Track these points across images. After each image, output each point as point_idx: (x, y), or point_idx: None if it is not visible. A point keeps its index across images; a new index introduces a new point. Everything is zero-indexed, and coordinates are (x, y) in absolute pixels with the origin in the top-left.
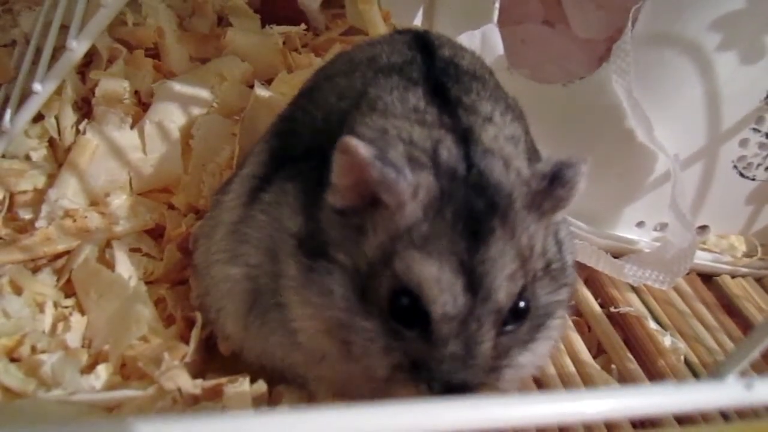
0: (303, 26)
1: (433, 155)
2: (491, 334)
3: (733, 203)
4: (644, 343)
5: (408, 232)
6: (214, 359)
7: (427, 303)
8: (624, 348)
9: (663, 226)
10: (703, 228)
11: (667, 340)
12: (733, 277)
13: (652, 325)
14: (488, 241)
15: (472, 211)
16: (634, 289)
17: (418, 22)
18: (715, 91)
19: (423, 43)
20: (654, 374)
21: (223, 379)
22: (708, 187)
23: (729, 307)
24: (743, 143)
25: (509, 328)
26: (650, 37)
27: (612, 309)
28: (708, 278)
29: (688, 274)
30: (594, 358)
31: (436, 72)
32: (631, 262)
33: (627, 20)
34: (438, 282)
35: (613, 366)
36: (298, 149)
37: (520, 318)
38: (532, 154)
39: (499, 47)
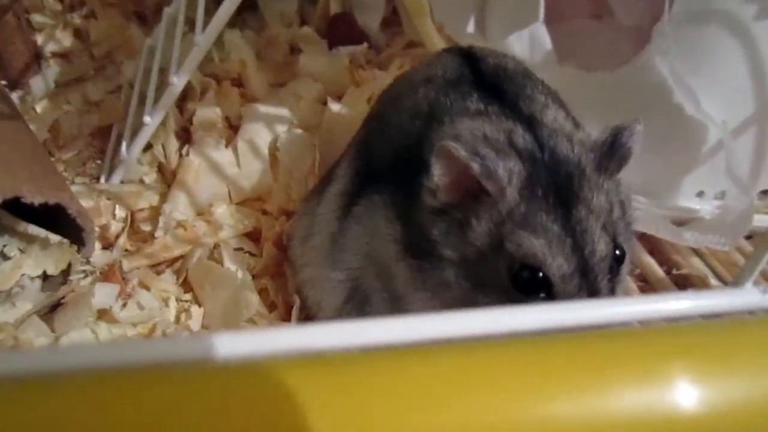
0: (366, 45)
1: (510, 144)
2: (606, 280)
3: None
4: None
5: (510, 215)
6: None
7: (546, 270)
8: None
9: (723, 194)
10: (765, 193)
11: None
12: None
13: (713, 282)
14: (576, 204)
15: (555, 184)
16: (698, 254)
17: (470, 29)
18: (757, 60)
19: (469, 56)
20: None
21: None
22: (764, 153)
23: None
24: None
25: (614, 274)
26: (689, 15)
27: (675, 271)
28: None
29: (749, 237)
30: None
31: (487, 78)
32: (695, 230)
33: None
34: (550, 250)
35: None
36: (381, 166)
37: (619, 263)
38: None
39: (547, 43)
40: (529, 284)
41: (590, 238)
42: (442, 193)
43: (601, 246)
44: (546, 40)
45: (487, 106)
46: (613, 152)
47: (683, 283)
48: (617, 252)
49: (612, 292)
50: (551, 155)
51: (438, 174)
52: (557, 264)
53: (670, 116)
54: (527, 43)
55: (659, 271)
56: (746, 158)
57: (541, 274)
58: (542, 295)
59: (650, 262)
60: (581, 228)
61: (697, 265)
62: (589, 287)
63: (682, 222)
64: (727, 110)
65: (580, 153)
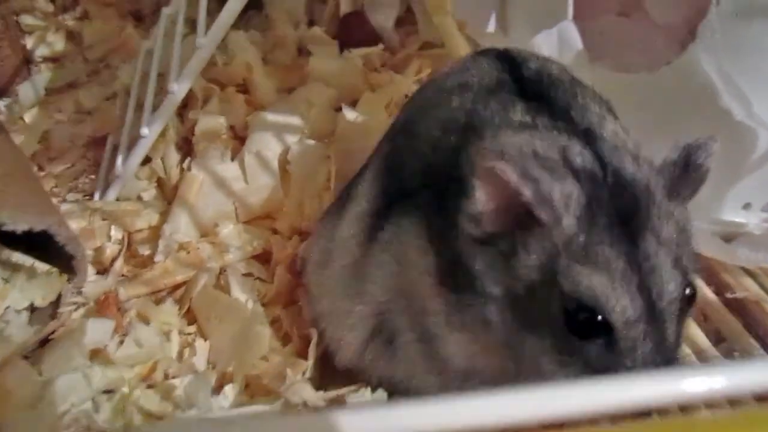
0: (380, 46)
1: (565, 163)
2: (674, 327)
3: None
4: (766, 326)
5: (567, 247)
6: (332, 373)
7: (607, 313)
8: (746, 334)
9: None
10: None
11: None
12: None
13: None
14: (644, 236)
15: (620, 211)
16: (749, 273)
17: (492, 28)
18: None
19: (507, 60)
20: None
21: (345, 390)
22: None
23: None
24: None
25: (683, 316)
26: (736, 10)
27: (729, 295)
28: None
29: None
30: (714, 346)
31: (531, 85)
32: (743, 245)
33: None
34: (613, 290)
35: (736, 353)
36: (410, 186)
37: (690, 304)
38: None
39: (577, 43)
40: (586, 328)
41: (659, 276)
42: (486, 221)
43: (671, 287)
44: (576, 40)
45: (535, 117)
46: (686, 174)
47: (736, 306)
48: (687, 291)
49: (679, 339)
50: (615, 176)
51: (482, 199)
52: (621, 306)
53: (715, 121)
54: (555, 43)
55: (709, 293)
56: None
57: (600, 317)
58: (600, 340)
59: (698, 282)
60: (649, 264)
61: (750, 287)
62: (656, 335)
63: (727, 238)
64: None
65: (649, 174)
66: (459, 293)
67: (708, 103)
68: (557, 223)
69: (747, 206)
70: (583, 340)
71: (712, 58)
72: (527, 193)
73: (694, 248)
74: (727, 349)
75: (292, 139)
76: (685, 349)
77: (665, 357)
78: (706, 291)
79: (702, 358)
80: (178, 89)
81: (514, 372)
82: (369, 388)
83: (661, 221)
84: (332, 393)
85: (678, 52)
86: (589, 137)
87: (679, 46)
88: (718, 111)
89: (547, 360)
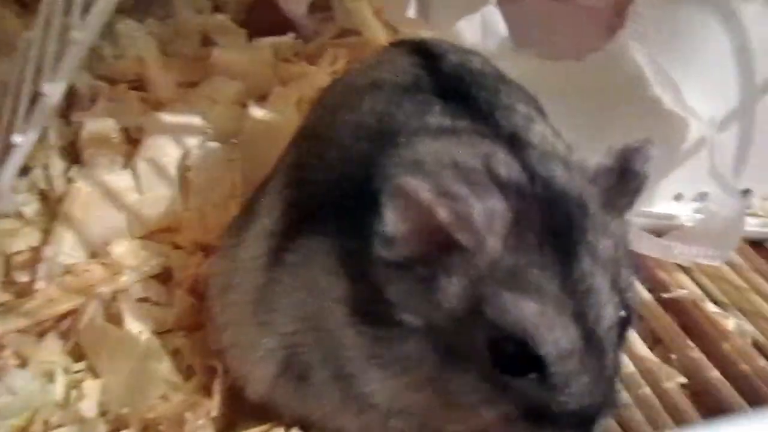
0: (291, 35)
1: (488, 173)
2: (613, 355)
3: None
4: (704, 327)
5: (492, 271)
6: (244, 406)
7: (537, 345)
8: (682, 335)
9: (703, 196)
10: (746, 192)
11: (730, 323)
12: None
13: (711, 307)
14: (578, 256)
15: (551, 227)
16: (683, 269)
17: (411, 13)
18: (743, 43)
19: (424, 53)
20: (719, 361)
21: (255, 430)
22: (747, 148)
23: None
24: None
25: (620, 343)
26: None
27: (664, 295)
28: (758, 245)
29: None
30: (650, 349)
31: (450, 82)
32: (677, 240)
33: None
34: (543, 319)
35: (673, 356)
36: (318, 199)
37: (625, 327)
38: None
39: (501, 29)
40: (514, 362)
41: (596, 300)
42: (401, 243)
43: (609, 310)
44: (500, 25)
45: (455, 120)
46: (623, 183)
47: (673, 307)
48: (622, 313)
49: (618, 368)
50: (544, 188)
51: (394, 220)
52: (553, 338)
53: (644, 111)
54: (478, 29)
55: (643, 292)
56: (729, 156)
57: (530, 350)
58: (532, 376)
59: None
60: (585, 287)
61: (686, 284)
62: (593, 367)
63: (658, 231)
64: (709, 102)
65: (581, 184)
66: (375, 325)
67: (637, 92)
68: (479, 246)
69: (678, 197)
70: (513, 376)
71: (641, 45)
72: (443, 214)
73: (630, 263)
74: (663, 350)
75: (192, 142)
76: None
77: (604, 391)
78: (640, 290)
79: (641, 366)
80: (52, 91)
81: (442, 411)
82: (282, 429)
83: (596, 237)
84: None
85: (606, 38)
86: (514, 143)
87: (608, 32)
88: (647, 100)
89: (476, 399)
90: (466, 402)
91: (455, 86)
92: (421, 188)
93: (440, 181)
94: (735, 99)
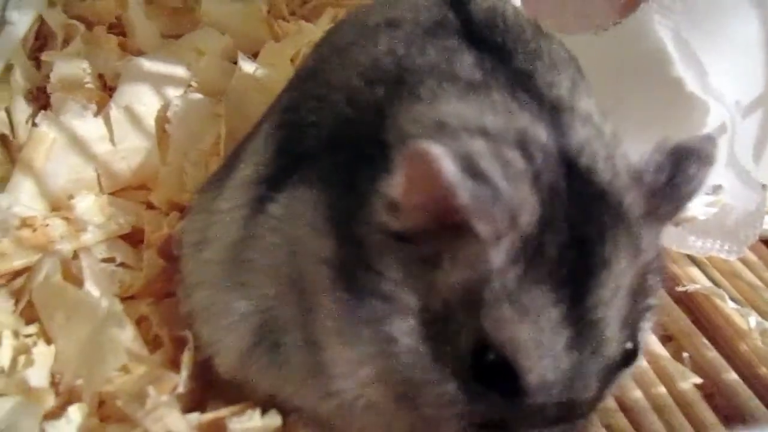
0: None
1: (523, 155)
2: (596, 394)
3: None
4: (719, 325)
5: (500, 274)
6: (215, 383)
7: (522, 373)
8: (696, 333)
9: (716, 189)
10: (766, 186)
11: (751, 321)
12: None
13: (730, 304)
14: (600, 278)
15: (578, 239)
16: (695, 263)
17: None
18: None
19: None
20: (735, 361)
21: (225, 411)
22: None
23: None
24: None
25: (615, 377)
26: None
27: (678, 288)
28: None
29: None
30: (663, 346)
31: (482, 28)
32: (690, 233)
33: None
34: (536, 347)
35: (685, 354)
36: (316, 143)
37: (627, 363)
38: None
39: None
40: (491, 372)
41: (601, 335)
42: (408, 215)
43: (611, 348)
44: None
45: (488, 75)
46: (673, 187)
47: (686, 302)
48: (628, 345)
49: (601, 397)
50: (582, 186)
51: (404, 187)
52: (539, 368)
53: (664, 92)
54: None
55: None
56: (749, 146)
57: (510, 369)
58: (505, 394)
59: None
60: (593, 316)
61: (698, 278)
62: (570, 400)
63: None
64: (734, 87)
65: (624, 186)
66: (357, 296)
67: (658, 71)
68: (496, 241)
69: None
70: (488, 387)
71: (667, 20)
72: (464, 196)
73: (659, 268)
74: (675, 347)
75: (174, 93)
76: None
77: (571, 422)
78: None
79: (654, 365)
80: (19, 18)
81: (411, 413)
82: (258, 410)
83: (625, 260)
84: (209, 415)
85: (618, 13)
86: (556, 120)
87: (622, 7)
88: (667, 79)
89: (450, 409)
90: (438, 410)
91: (486, 35)
92: (444, 159)
93: (466, 153)
94: (759, 86)
